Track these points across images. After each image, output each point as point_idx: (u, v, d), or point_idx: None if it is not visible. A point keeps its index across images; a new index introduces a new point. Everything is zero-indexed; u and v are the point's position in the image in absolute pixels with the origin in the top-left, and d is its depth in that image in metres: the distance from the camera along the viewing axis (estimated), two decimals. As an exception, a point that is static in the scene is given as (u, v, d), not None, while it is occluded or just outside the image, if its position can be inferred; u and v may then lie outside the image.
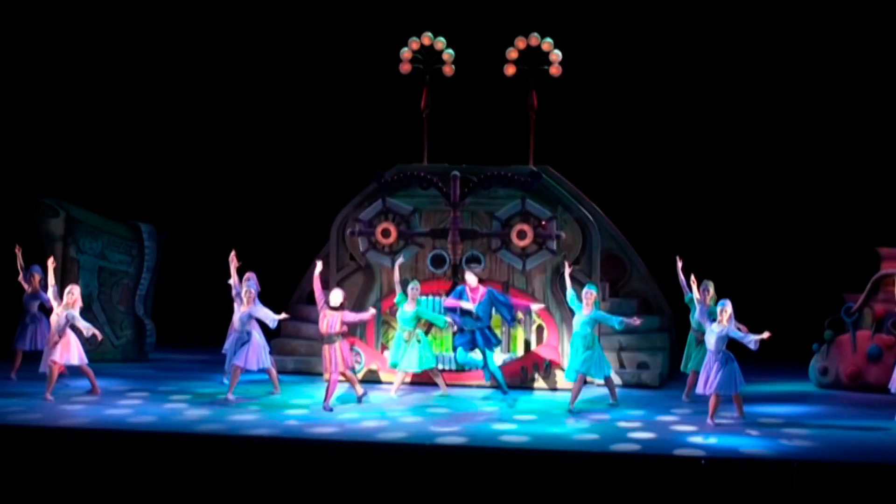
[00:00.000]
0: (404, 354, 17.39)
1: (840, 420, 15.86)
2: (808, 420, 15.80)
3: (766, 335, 15.28)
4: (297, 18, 23.11)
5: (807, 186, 22.03)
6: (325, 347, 16.56)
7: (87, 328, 16.84)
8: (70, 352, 16.88)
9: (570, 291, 16.89)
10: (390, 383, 17.84)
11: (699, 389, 15.72)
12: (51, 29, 23.20)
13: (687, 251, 17.79)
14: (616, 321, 16.48)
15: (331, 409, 16.12)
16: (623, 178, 21.92)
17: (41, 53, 23.29)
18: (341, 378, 16.57)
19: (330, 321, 16.50)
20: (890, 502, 13.04)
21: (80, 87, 23.36)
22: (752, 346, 15.40)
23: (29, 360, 18.16)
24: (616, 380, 17.42)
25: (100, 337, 17.03)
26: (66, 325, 16.87)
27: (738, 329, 15.59)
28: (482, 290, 17.42)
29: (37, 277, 18.45)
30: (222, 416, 15.64)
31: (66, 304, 16.91)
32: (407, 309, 17.40)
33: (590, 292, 16.60)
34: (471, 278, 17.45)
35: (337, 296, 16.73)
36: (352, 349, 17.21)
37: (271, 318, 17.00)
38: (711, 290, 16.97)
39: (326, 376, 16.75)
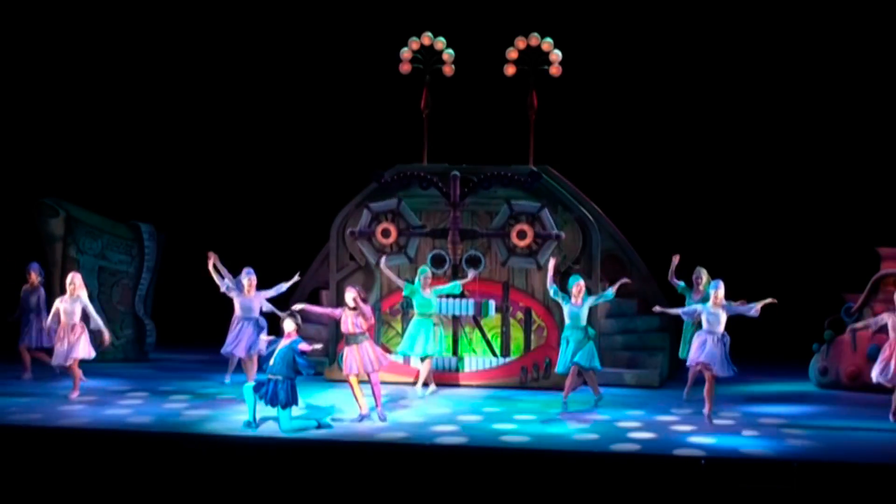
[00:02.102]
0: (428, 341, 17.35)
1: (840, 420, 15.86)
2: (808, 420, 15.80)
3: (770, 300, 15.38)
4: (297, 18, 23.12)
5: (807, 186, 22.04)
6: (351, 348, 15.70)
7: (94, 320, 16.88)
8: (87, 345, 16.85)
9: (552, 285, 16.83)
10: (388, 384, 17.86)
11: (689, 361, 15.78)
12: (51, 29, 23.21)
13: (687, 251, 17.80)
14: (608, 294, 16.65)
15: (384, 419, 15.55)
16: (623, 178, 21.93)
17: (41, 53, 23.30)
18: (361, 380, 15.74)
19: (354, 321, 15.72)
20: (890, 502, 13.04)
21: (80, 87, 23.36)
22: (753, 314, 15.51)
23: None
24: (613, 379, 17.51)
25: (108, 339, 17.04)
26: (78, 314, 16.80)
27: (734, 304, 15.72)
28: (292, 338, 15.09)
29: (34, 274, 18.48)
30: (222, 416, 15.63)
31: (72, 294, 16.86)
32: (426, 295, 17.44)
33: (578, 283, 16.61)
34: (288, 325, 15.08)
35: (349, 294, 15.84)
36: None
37: (283, 287, 17.31)
38: (704, 277, 17.05)
39: (352, 379, 15.71)
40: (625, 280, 16.81)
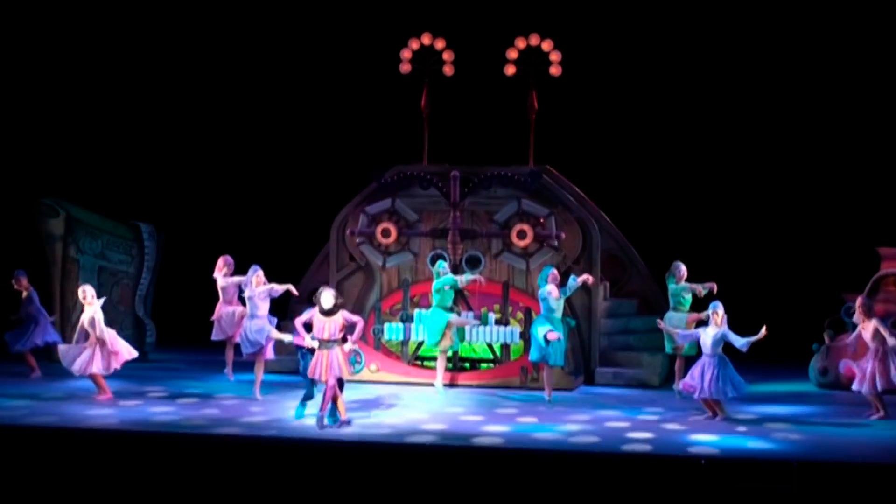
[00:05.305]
0: (442, 333, 17.57)
1: (839, 420, 15.85)
2: (808, 420, 15.80)
3: (762, 334, 15.32)
4: (298, 19, 23.13)
5: (806, 187, 22.04)
6: (322, 353, 15.15)
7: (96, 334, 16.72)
8: (111, 356, 16.80)
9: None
10: (389, 383, 17.91)
11: (695, 394, 15.64)
12: (51, 29, 23.22)
13: (687, 251, 17.80)
14: (570, 281, 16.88)
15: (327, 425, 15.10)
16: (623, 179, 21.94)
17: (41, 53, 23.31)
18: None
19: (330, 327, 15.11)
20: (890, 502, 13.04)
21: (80, 87, 23.37)
22: (743, 349, 15.40)
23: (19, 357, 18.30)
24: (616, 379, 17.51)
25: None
26: (97, 326, 16.74)
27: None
28: None
29: (23, 281, 18.50)
30: (222, 417, 15.62)
31: (85, 305, 16.78)
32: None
33: (553, 272, 16.70)
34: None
35: (328, 298, 15.17)
36: (356, 352, 17.07)
37: (277, 290, 17.14)
38: (683, 269, 17.30)
39: (323, 379, 15.30)
40: (590, 278, 17.09)
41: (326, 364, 15.06)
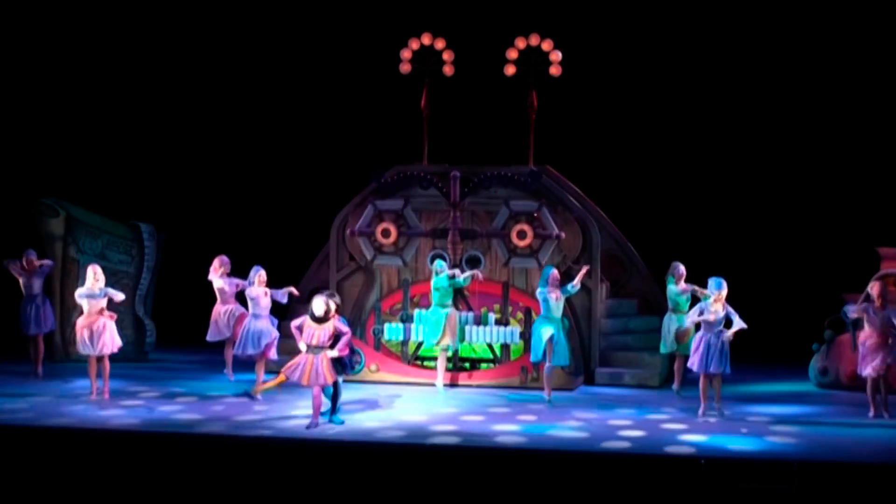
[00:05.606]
0: (441, 330, 17.66)
1: (839, 420, 15.86)
2: (808, 420, 15.80)
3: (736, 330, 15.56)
4: (298, 18, 23.13)
5: (806, 186, 22.05)
6: (308, 357, 15.11)
7: (116, 296, 16.93)
8: (115, 337, 16.91)
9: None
10: (389, 383, 17.92)
11: (695, 369, 15.73)
12: (51, 29, 23.22)
13: (687, 251, 17.80)
14: (570, 287, 16.93)
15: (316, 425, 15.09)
16: (623, 178, 21.94)
17: (41, 53, 23.31)
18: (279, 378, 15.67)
19: (319, 334, 15.09)
20: (890, 502, 13.04)
21: (80, 87, 23.37)
22: (741, 325, 15.62)
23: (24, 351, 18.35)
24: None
25: (119, 297, 17.10)
26: (104, 304, 16.77)
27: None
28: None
29: (33, 260, 18.49)
30: (222, 417, 15.63)
31: (95, 285, 16.81)
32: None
33: (553, 273, 16.72)
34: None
35: (319, 306, 15.17)
36: (354, 350, 17.07)
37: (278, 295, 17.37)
38: (682, 269, 17.28)
39: (304, 384, 15.24)
40: (586, 268, 17.27)
41: (310, 370, 15.06)
